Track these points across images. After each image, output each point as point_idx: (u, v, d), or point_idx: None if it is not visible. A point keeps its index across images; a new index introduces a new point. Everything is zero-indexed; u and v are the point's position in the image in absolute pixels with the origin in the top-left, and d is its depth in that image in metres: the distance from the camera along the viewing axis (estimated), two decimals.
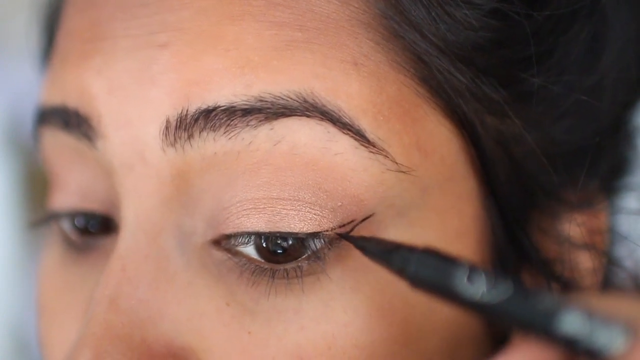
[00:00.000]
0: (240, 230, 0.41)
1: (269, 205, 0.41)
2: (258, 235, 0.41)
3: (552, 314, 0.32)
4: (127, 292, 0.41)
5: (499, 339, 0.46)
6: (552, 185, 0.45)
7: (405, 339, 0.42)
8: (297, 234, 0.40)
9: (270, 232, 0.41)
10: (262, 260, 0.41)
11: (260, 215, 0.41)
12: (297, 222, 0.40)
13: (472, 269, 0.34)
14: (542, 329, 0.32)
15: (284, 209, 0.40)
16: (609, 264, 0.49)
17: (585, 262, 0.47)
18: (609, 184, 0.51)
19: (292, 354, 0.40)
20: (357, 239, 0.40)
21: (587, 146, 0.46)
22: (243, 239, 0.41)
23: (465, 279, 0.34)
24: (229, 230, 0.41)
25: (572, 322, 0.31)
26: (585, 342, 0.31)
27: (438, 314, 0.43)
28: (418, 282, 0.36)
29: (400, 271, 0.36)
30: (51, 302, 0.49)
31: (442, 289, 0.35)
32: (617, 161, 0.52)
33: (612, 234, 0.50)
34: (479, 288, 0.33)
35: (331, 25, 0.41)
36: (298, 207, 0.40)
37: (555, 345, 0.32)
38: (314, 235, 0.41)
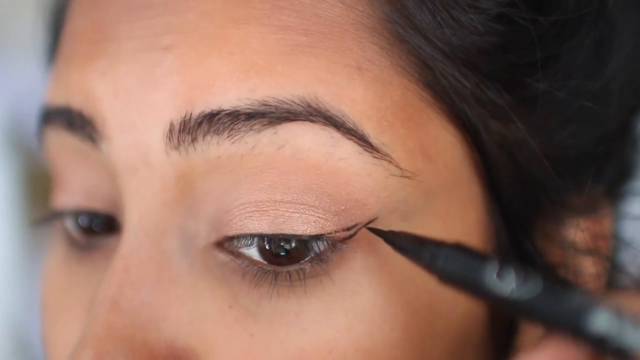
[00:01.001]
0: (243, 232, 0.41)
1: (272, 208, 0.40)
2: (261, 237, 0.41)
3: (581, 312, 0.32)
4: (129, 294, 0.41)
5: (502, 344, 0.46)
6: (557, 190, 0.45)
7: (408, 344, 0.42)
8: (300, 236, 0.40)
9: (273, 234, 0.41)
10: (265, 262, 0.41)
11: (264, 217, 0.41)
12: (301, 224, 0.40)
13: (502, 265, 0.34)
14: (572, 327, 0.32)
15: (287, 211, 0.40)
16: (612, 269, 0.49)
17: (589, 268, 0.47)
18: (614, 189, 0.51)
19: (294, 357, 0.40)
20: (386, 233, 0.40)
21: (592, 151, 0.46)
22: (246, 241, 0.41)
23: (494, 275, 0.34)
24: (232, 232, 0.41)
25: (601, 321, 0.31)
26: (614, 341, 0.31)
27: (440, 319, 0.43)
28: (446, 277, 0.36)
29: (429, 266, 0.36)
30: (55, 301, 0.49)
31: (470, 285, 0.34)
32: (623, 166, 0.52)
33: (616, 240, 0.50)
34: (508, 284, 0.33)
35: (336, 29, 0.40)
36: (301, 210, 0.40)
37: (583, 343, 0.32)
38: (318, 237, 0.40)
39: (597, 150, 0.46)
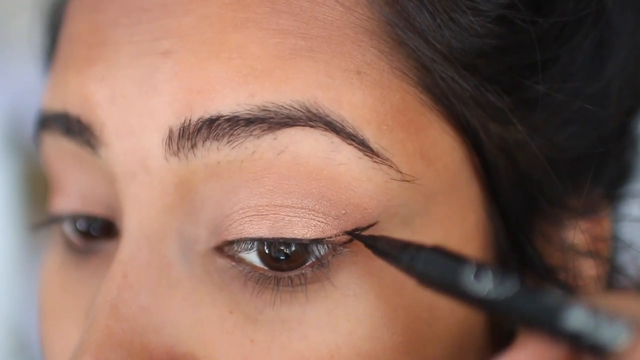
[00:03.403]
0: (242, 236, 0.41)
1: (272, 212, 0.40)
2: (261, 241, 0.41)
3: (557, 310, 0.32)
4: (128, 299, 0.41)
5: (501, 347, 0.46)
6: (556, 192, 0.45)
7: (408, 347, 0.42)
8: (300, 240, 0.40)
9: (273, 238, 0.40)
10: (266, 268, 0.41)
11: (264, 221, 0.40)
12: (301, 228, 0.40)
13: (480, 267, 0.34)
14: (548, 325, 0.32)
15: (287, 215, 0.40)
16: (612, 271, 0.49)
17: (588, 270, 0.47)
18: (613, 190, 0.51)
19: None
20: (366, 238, 0.40)
21: (591, 153, 0.46)
22: (246, 245, 0.41)
23: (472, 277, 0.34)
24: (232, 236, 0.41)
25: (577, 318, 0.32)
26: (589, 338, 0.31)
27: (441, 322, 0.43)
28: (426, 279, 0.36)
29: (409, 269, 0.37)
30: (53, 305, 0.49)
31: (449, 287, 0.35)
32: (622, 168, 0.52)
33: (616, 241, 0.50)
34: (485, 285, 0.34)
35: (335, 33, 0.40)
36: (302, 214, 0.40)
37: (560, 341, 0.32)
38: (318, 241, 0.40)
39: (596, 152, 0.46)
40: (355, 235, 0.40)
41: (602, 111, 0.46)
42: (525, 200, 0.45)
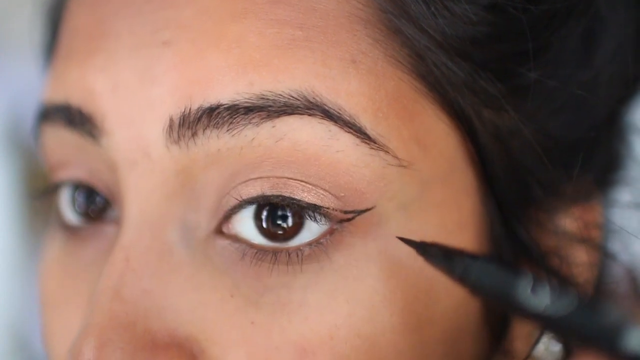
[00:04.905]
0: (242, 198, 0.41)
1: (274, 177, 0.41)
2: (259, 204, 0.41)
3: (617, 329, 0.31)
4: (130, 283, 0.41)
5: (497, 331, 0.47)
6: (549, 178, 0.46)
7: (407, 329, 0.42)
8: (299, 201, 0.41)
9: (272, 195, 0.41)
10: (264, 240, 0.42)
11: (265, 182, 0.41)
12: (301, 191, 0.41)
13: (536, 280, 0.33)
14: (607, 345, 0.31)
15: (290, 180, 0.41)
16: (604, 257, 0.50)
17: (581, 256, 0.47)
18: (604, 177, 0.51)
19: (296, 344, 0.41)
20: (418, 244, 0.40)
21: (582, 140, 0.47)
22: (242, 215, 0.42)
23: (528, 290, 0.33)
24: (231, 203, 0.42)
25: (638, 340, 0.31)
26: None
27: (438, 304, 0.43)
28: (480, 290, 0.36)
29: (462, 278, 0.36)
30: (53, 293, 0.49)
31: (504, 299, 0.34)
32: (612, 155, 0.52)
33: (607, 228, 0.50)
34: (542, 299, 0.33)
35: (331, 22, 0.41)
36: (303, 183, 0.41)
37: None
38: (316, 208, 0.41)
39: (587, 139, 0.47)
40: (406, 240, 0.41)
41: (593, 99, 0.46)
42: (518, 187, 0.45)
